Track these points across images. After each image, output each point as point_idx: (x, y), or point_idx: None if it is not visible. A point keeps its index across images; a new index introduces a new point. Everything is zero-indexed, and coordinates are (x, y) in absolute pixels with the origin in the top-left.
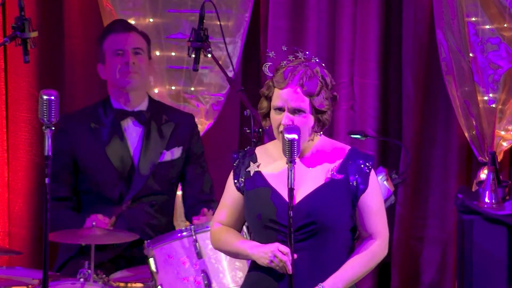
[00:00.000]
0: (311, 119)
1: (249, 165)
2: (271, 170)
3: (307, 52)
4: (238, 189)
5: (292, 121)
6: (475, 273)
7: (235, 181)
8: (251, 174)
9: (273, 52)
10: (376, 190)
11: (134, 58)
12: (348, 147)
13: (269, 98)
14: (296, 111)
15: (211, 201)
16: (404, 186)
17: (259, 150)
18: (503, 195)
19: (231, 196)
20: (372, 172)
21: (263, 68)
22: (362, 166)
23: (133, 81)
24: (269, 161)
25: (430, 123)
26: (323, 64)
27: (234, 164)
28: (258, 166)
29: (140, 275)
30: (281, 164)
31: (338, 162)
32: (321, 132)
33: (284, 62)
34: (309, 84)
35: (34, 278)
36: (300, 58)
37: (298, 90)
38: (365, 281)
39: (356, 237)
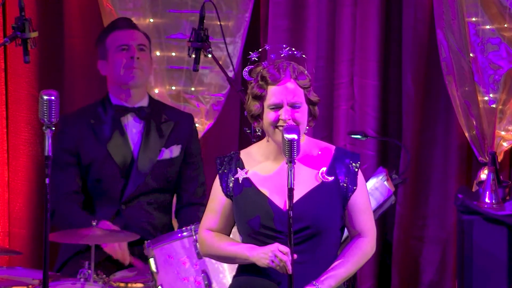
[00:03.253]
0: (306, 112)
1: (236, 172)
2: (258, 175)
3: (289, 48)
4: (227, 195)
5: (292, 116)
6: (475, 273)
7: (223, 186)
8: (240, 181)
9: (257, 54)
10: (364, 189)
11: (139, 53)
12: (333, 147)
13: (261, 98)
14: (294, 105)
15: (201, 204)
16: (404, 186)
17: (243, 154)
18: (503, 195)
19: (219, 202)
20: (360, 171)
21: (243, 73)
22: (350, 166)
23: (136, 77)
24: (255, 165)
25: (430, 123)
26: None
27: (220, 171)
28: (246, 173)
29: (141, 275)
30: (267, 166)
31: (326, 164)
32: (306, 132)
33: (261, 65)
34: (302, 77)
35: (34, 278)
36: (282, 57)
37: (294, 83)
38: (365, 281)
39: (345, 238)
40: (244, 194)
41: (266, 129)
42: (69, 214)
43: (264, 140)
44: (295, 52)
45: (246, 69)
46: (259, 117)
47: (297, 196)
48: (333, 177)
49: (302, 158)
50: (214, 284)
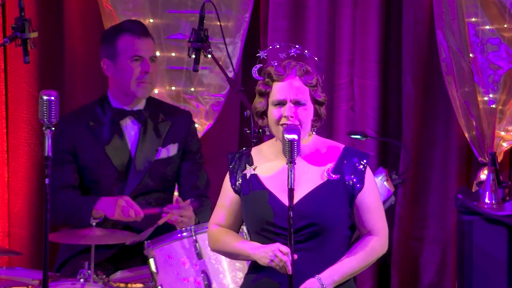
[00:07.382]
0: (311, 111)
1: (245, 168)
2: (266, 172)
3: (297, 46)
4: (235, 191)
5: (295, 113)
6: (475, 273)
7: (232, 182)
8: (248, 177)
9: (265, 52)
10: (373, 187)
11: (151, 66)
12: (342, 146)
13: (266, 95)
14: (297, 102)
15: (204, 196)
16: (404, 187)
17: (254, 152)
18: (503, 195)
19: (228, 197)
20: (368, 170)
21: (252, 72)
22: (357, 164)
23: (146, 92)
24: (264, 163)
25: (430, 124)
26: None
27: (230, 166)
28: (254, 169)
29: (140, 275)
30: (276, 164)
31: (333, 162)
32: (314, 131)
33: (270, 64)
34: (308, 75)
35: (34, 278)
36: (292, 56)
37: (298, 80)
38: (365, 281)
39: (355, 237)
40: (251, 192)
41: (270, 126)
42: (62, 205)
43: (274, 138)
44: (305, 52)
45: (255, 68)
46: (264, 114)
47: (302, 193)
48: (338, 175)
49: (310, 156)
50: (214, 285)
